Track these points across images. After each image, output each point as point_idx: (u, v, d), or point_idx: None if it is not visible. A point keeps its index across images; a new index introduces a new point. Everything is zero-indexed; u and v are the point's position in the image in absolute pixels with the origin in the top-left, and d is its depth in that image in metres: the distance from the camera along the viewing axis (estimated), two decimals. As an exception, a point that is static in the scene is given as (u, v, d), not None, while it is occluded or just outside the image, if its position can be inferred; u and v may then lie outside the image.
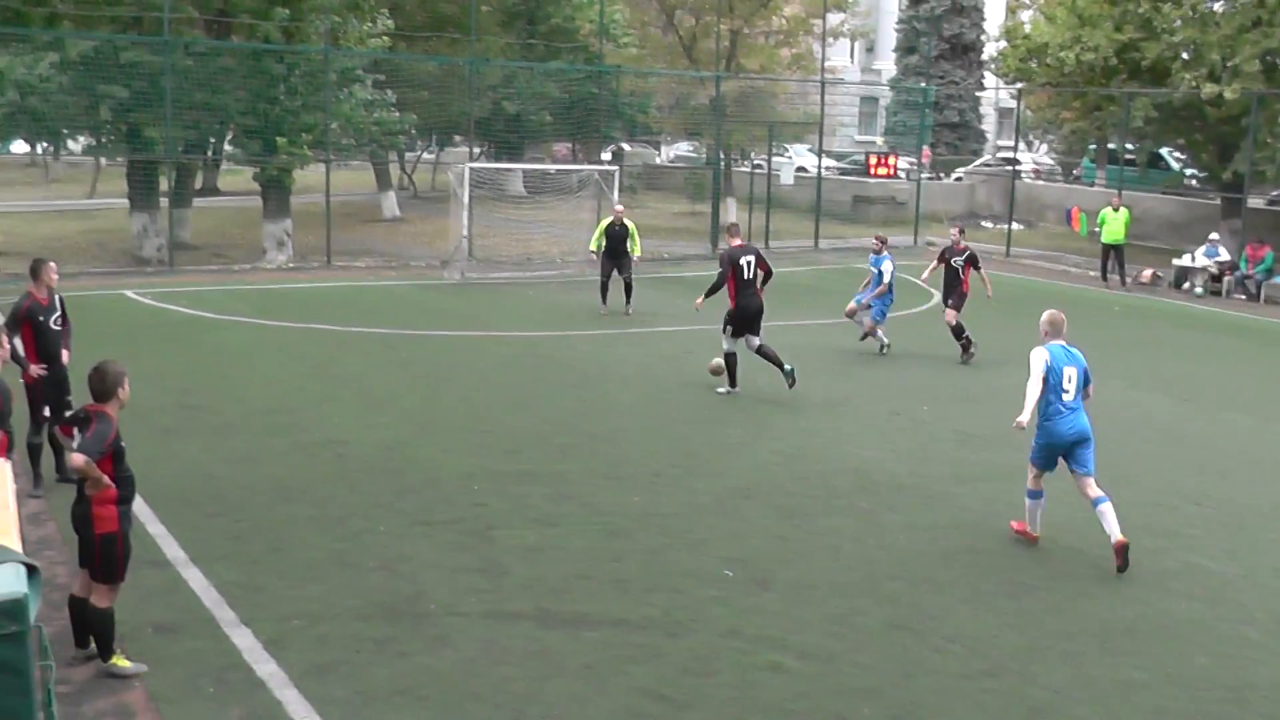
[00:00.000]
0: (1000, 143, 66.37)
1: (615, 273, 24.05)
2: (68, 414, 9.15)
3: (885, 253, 20.04)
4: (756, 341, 16.81)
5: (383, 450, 13.61)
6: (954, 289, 20.01)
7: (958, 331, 19.81)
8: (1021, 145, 56.62)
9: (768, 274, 16.93)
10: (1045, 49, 36.21)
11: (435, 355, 19.00)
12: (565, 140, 48.51)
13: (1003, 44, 42.89)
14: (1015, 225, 38.92)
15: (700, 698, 8.11)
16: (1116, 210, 30.24)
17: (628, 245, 24.05)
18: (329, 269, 29.40)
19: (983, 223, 44.83)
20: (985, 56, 55.08)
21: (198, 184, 39.91)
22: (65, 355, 12.29)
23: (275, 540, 10.74)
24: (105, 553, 8.20)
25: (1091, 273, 32.22)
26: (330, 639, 8.77)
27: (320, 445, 13.79)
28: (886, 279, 19.83)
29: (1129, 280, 30.75)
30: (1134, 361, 20.50)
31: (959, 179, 50.56)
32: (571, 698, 8.05)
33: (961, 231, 20.73)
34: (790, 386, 16.59)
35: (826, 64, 40.67)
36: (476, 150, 40.92)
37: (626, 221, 24.19)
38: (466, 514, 11.60)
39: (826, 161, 44.82)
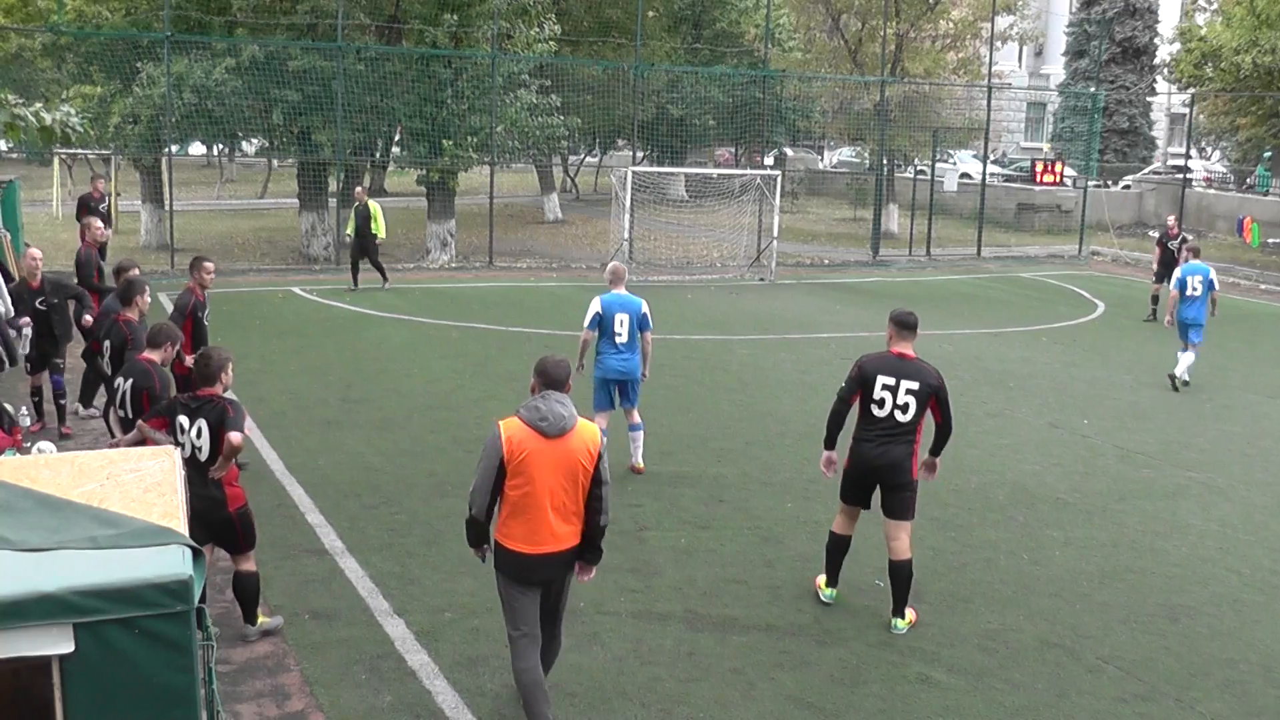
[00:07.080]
0: (1171, 150, 64.57)
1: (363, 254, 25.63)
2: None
3: None
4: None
5: (538, 449, 13.73)
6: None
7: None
8: (1193, 152, 55.05)
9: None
10: (1220, 52, 35.16)
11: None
12: (728, 144, 48.61)
13: (1176, 47, 41.75)
14: (1185, 235, 37.70)
15: (848, 707, 8.04)
16: None
17: (371, 227, 25.26)
18: (491, 269, 29.87)
19: (1150, 232, 43.65)
20: (1158, 60, 53.69)
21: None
22: None
23: (431, 534, 10.95)
24: (244, 524, 8.63)
25: (1263, 286, 31.07)
26: (481, 633, 8.90)
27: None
28: None
29: None
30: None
31: (1127, 187, 49.26)
32: (718, 701, 8.05)
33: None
34: None
35: (994, 68, 39.98)
36: (639, 154, 41.13)
37: (370, 203, 25.52)
38: (620, 514, 11.65)
39: (991, 168, 44.13)
